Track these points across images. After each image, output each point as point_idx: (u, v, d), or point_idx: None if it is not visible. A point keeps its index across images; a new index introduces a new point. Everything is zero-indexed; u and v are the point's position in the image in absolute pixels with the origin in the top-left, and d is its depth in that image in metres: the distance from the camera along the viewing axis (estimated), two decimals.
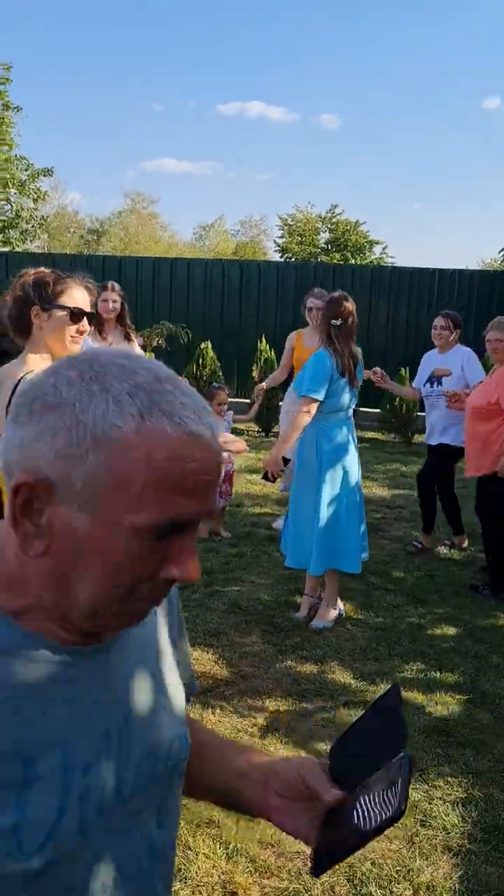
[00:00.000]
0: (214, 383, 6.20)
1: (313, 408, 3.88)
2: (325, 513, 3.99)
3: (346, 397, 3.99)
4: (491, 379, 4.76)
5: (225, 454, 5.56)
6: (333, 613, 4.20)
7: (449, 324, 5.34)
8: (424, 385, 5.39)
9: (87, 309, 2.33)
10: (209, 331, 10.90)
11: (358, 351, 4.10)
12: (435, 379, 5.30)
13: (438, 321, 5.39)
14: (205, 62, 71.46)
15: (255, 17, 69.28)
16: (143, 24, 68.90)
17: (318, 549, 4.00)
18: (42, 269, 2.34)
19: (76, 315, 2.30)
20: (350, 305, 3.99)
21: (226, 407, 5.61)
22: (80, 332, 2.31)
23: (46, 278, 2.29)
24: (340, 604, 4.29)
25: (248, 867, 2.40)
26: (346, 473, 4.04)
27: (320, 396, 3.88)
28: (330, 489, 3.99)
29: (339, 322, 3.95)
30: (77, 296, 2.31)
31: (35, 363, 2.26)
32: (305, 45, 71.04)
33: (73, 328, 2.30)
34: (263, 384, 5.82)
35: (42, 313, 2.28)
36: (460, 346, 5.40)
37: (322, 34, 69.98)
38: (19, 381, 2.17)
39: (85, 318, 2.32)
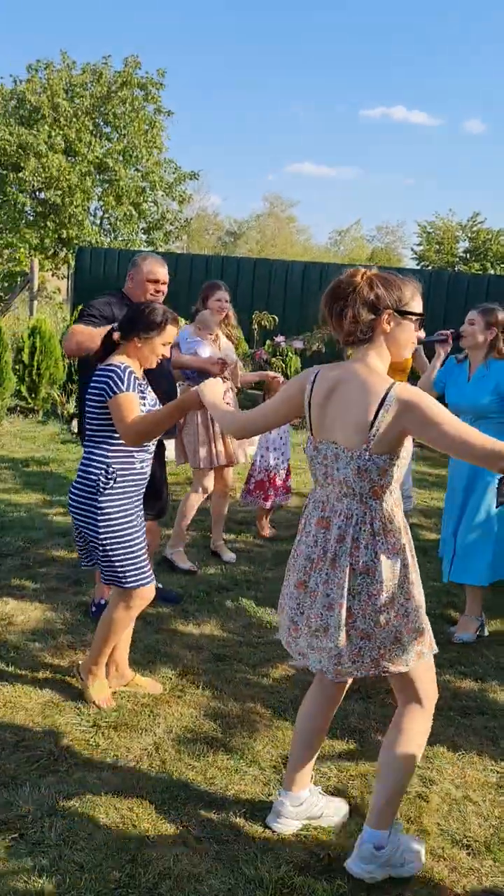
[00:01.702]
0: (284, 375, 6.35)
1: None
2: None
3: None
4: None
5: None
6: (475, 625, 4.13)
7: None
8: None
9: None
10: None
11: None
12: None
13: None
14: (348, 66, 71.34)
15: (396, 20, 68.50)
16: (286, 31, 69.53)
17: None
18: (375, 269, 2.26)
19: (421, 323, 2.30)
20: None
21: None
22: (417, 340, 2.30)
23: (397, 282, 2.24)
24: (483, 617, 4.21)
25: (423, 879, 2.40)
26: None
27: None
28: None
29: None
30: (421, 303, 2.30)
31: (384, 369, 2.24)
32: (449, 49, 69.63)
33: (414, 336, 2.29)
34: None
35: (393, 318, 2.23)
36: None
37: (466, 37, 68.40)
38: (387, 392, 2.15)
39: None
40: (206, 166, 43.37)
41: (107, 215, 23.37)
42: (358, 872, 2.33)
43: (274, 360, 7.66)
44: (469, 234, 33.15)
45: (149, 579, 3.15)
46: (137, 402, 2.99)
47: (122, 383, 2.97)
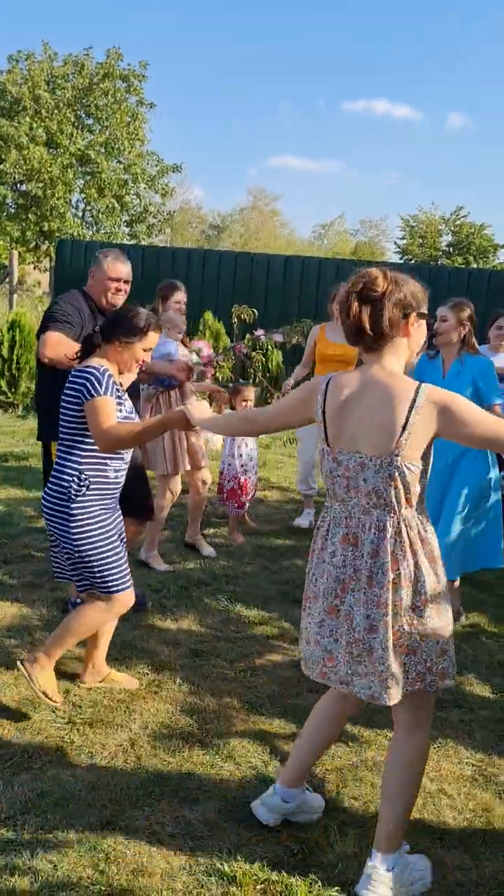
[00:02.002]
0: (241, 380, 6.36)
1: None
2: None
3: None
4: None
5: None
6: None
7: None
8: None
9: None
10: None
11: None
12: None
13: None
14: (330, 60, 71.19)
15: (377, 17, 68.41)
16: (270, 24, 69.29)
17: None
18: (385, 269, 2.20)
19: (431, 326, 2.31)
20: None
21: (252, 403, 5.49)
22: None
23: (411, 281, 2.20)
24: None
25: None
26: None
27: None
28: None
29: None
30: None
31: (402, 370, 2.20)
32: (433, 42, 69.63)
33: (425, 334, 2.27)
34: (290, 381, 5.72)
35: (416, 320, 2.20)
36: None
37: (451, 31, 68.44)
38: (416, 394, 2.09)
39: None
40: (188, 160, 43.19)
41: (89, 208, 23.25)
42: None
43: (254, 353, 7.63)
44: (452, 228, 33.29)
45: (128, 584, 3.07)
46: (115, 407, 2.88)
47: (101, 386, 2.85)
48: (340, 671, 2.24)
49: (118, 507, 3.14)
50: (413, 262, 30.95)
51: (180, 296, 4.98)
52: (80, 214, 23.32)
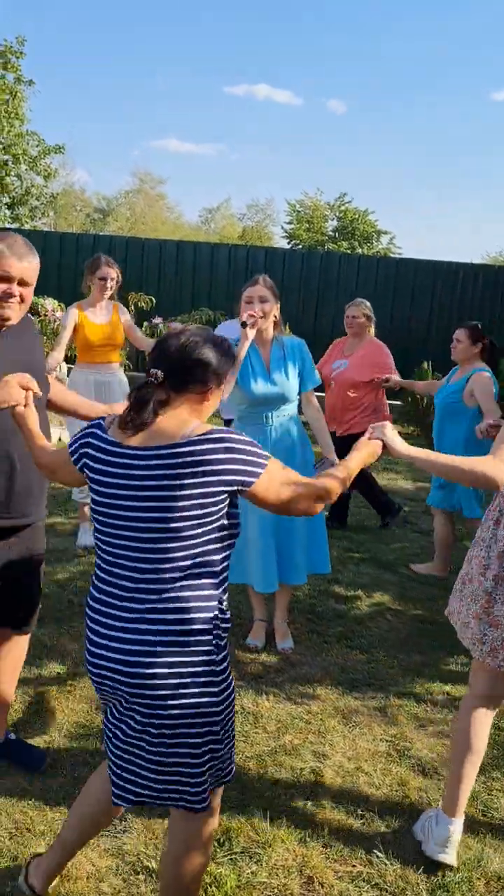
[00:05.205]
0: None
1: None
2: None
3: None
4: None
5: None
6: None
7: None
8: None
9: None
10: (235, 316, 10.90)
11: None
12: None
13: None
14: (212, 43, 70.81)
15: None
16: (152, 5, 68.17)
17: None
18: None
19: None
20: None
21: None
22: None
23: None
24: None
25: (322, 852, 2.45)
26: None
27: None
28: None
29: None
30: None
31: None
32: (311, 28, 70.36)
33: None
34: (50, 366, 4.61)
35: None
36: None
37: (328, 17, 69.38)
38: None
39: None
40: (68, 140, 41.76)
41: None
42: None
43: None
44: (337, 214, 33.86)
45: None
46: None
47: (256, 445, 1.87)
48: None
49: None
50: (301, 247, 31.31)
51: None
52: None
